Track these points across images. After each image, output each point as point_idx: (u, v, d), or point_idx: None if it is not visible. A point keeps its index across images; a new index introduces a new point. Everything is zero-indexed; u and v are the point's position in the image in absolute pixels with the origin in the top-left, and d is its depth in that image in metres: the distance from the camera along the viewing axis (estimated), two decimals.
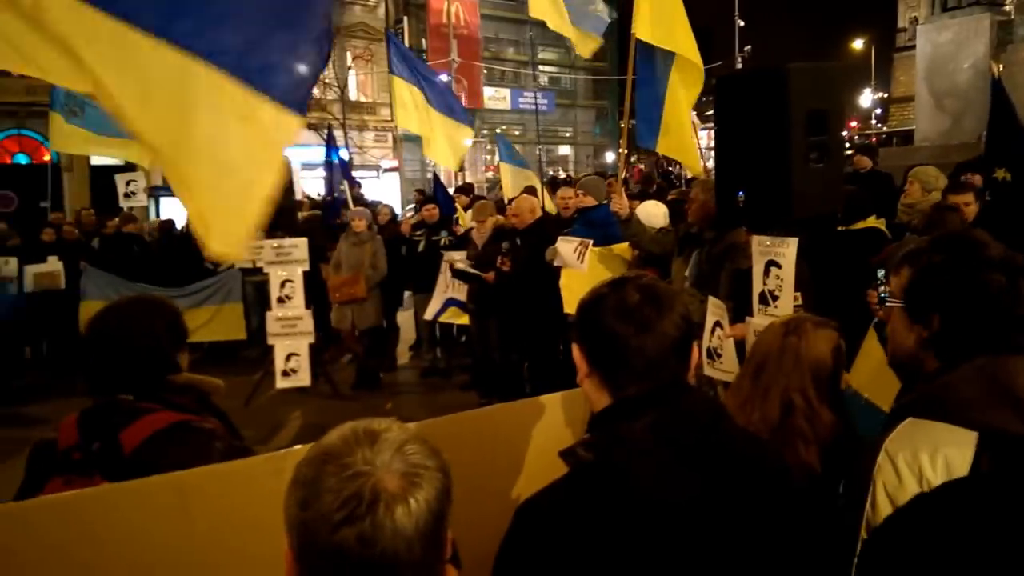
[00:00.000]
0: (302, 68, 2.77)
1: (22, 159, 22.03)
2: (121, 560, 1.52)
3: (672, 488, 1.27)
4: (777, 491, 1.38)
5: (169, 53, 2.43)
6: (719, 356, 4.07)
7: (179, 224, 10.93)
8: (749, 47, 31.63)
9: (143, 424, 1.75)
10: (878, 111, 44.63)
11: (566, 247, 5.75)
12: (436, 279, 7.89)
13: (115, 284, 8.62)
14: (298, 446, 1.62)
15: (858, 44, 48.46)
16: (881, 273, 3.39)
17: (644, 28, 5.28)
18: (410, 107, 8.81)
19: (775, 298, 3.47)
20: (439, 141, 9.18)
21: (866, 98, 46.85)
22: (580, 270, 5.56)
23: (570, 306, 5.93)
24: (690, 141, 5.46)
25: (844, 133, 5.14)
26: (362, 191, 15.40)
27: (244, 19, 2.64)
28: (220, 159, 2.54)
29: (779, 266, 3.43)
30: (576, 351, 1.43)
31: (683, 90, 5.54)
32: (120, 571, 1.53)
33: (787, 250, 3.39)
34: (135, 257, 9.63)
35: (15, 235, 9.75)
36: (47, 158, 21.72)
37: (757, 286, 3.58)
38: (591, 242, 5.62)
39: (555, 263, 5.83)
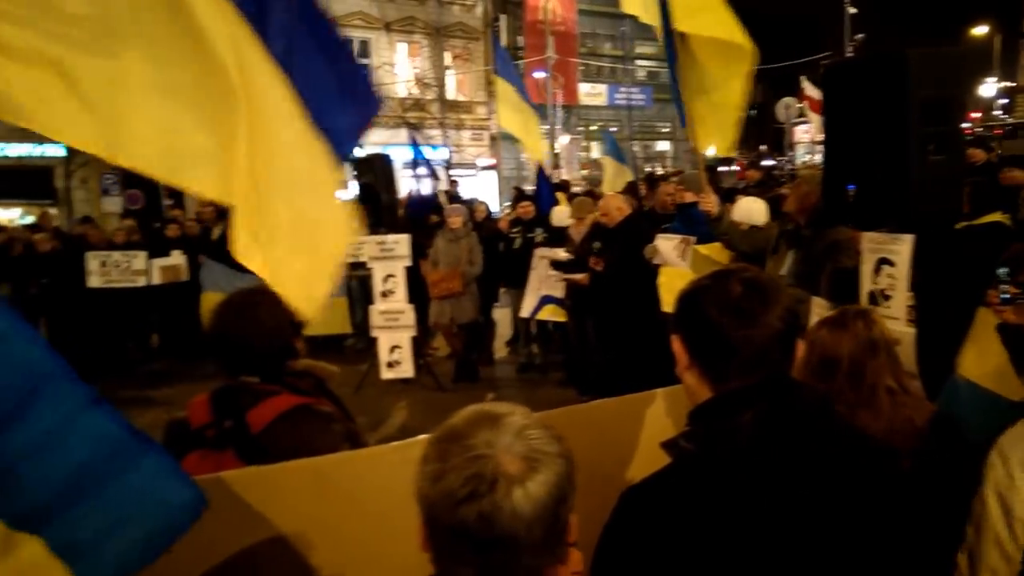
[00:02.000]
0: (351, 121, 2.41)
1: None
2: (262, 535, 1.62)
3: (774, 481, 1.26)
4: (886, 488, 1.34)
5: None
6: None
7: None
8: (861, 35, 30.16)
9: (269, 405, 1.86)
10: (1002, 101, 41.66)
11: (666, 244, 5.66)
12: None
13: (229, 276, 9.11)
14: (422, 436, 1.60)
15: (980, 30, 45.33)
16: (1004, 271, 3.19)
17: (684, 20, 4.95)
18: (512, 106, 8.86)
19: (887, 297, 3.33)
20: (534, 135, 9.18)
21: (989, 87, 43.81)
22: (683, 267, 5.46)
23: (668, 305, 5.86)
24: (728, 126, 4.94)
25: (965, 125, 4.81)
26: (458, 189, 15.65)
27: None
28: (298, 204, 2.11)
29: (892, 264, 3.29)
30: (676, 343, 1.43)
31: (720, 70, 5.03)
32: (261, 545, 1.62)
33: (902, 247, 3.24)
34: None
35: (138, 231, 10.45)
36: None
37: (866, 285, 3.44)
38: (694, 239, 5.50)
39: (655, 261, 5.75)
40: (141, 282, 9.17)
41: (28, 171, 20.98)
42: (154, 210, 15.84)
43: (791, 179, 10.61)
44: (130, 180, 20.16)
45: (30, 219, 19.52)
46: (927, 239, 3.44)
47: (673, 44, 4.89)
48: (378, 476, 1.70)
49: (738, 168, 23.27)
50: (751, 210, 5.41)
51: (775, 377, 1.34)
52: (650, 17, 4.96)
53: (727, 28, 4.75)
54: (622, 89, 33.16)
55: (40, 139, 20.10)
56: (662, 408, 2.11)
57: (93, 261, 9.04)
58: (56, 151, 20.91)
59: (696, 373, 1.39)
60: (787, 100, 23.64)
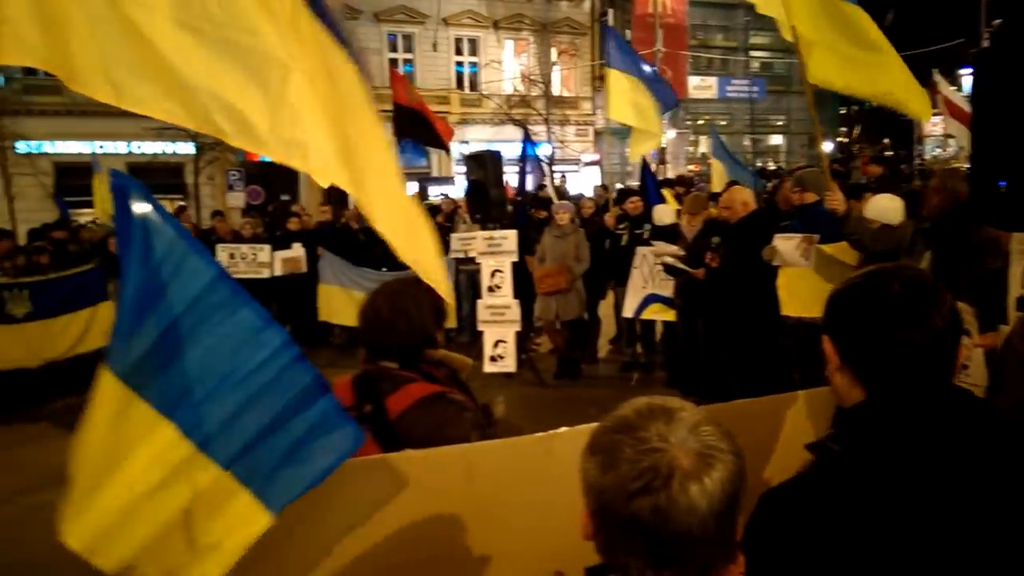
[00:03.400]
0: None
1: (268, 157, 24.72)
2: (409, 518, 1.69)
3: (927, 490, 1.19)
4: None
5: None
6: (964, 367, 3.66)
7: None
8: (998, 21, 27.95)
9: (406, 392, 1.94)
10: None
11: (786, 244, 5.42)
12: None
13: (344, 268, 9.47)
14: (564, 428, 1.73)
15: None
16: None
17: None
18: (627, 98, 8.66)
19: None
20: (654, 126, 8.96)
21: None
22: (806, 267, 5.22)
23: (788, 307, 5.64)
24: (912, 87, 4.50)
25: None
26: (566, 184, 15.65)
27: None
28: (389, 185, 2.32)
29: None
30: (827, 343, 1.37)
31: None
32: (408, 528, 1.69)
33: None
34: (360, 245, 10.48)
35: (260, 224, 10.99)
36: None
37: (1015, 289, 3.21)
38: (817, 237, 5.25)
39: (774, 262, 5.51)
40: (265, 274, 9.65)
41: (160, 168, 22.52)
42: (273, 205, 16.64)
43: (920, 175, 9.97)
44: (252, 176, 21.34)
45: None
46: None
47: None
48: (522, 465, 1.74)
49: (860, 163, 22.12)
50: (886, 208, 5.05)
51: (933, 380, 1.27)
52: (771, 8, 4.70)
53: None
54: (734, 81, 32.13)
55: (172, 137, 21.64)
56: (802, 410, 2.07)
57: (223, 253, 9.58)
58: (187, 149, 22.34)
59: (848, 375, 1.34)
60: None
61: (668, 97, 9.05)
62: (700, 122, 31.54)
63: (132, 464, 1.46)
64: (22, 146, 21.75)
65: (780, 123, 35.72)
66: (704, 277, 6.47)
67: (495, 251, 7.44)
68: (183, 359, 1.47)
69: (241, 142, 2.00)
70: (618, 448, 1.01)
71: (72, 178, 20.51)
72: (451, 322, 9.19)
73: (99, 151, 20.01)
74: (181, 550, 1.48)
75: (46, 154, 21.15)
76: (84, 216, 16.54)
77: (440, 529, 1.71)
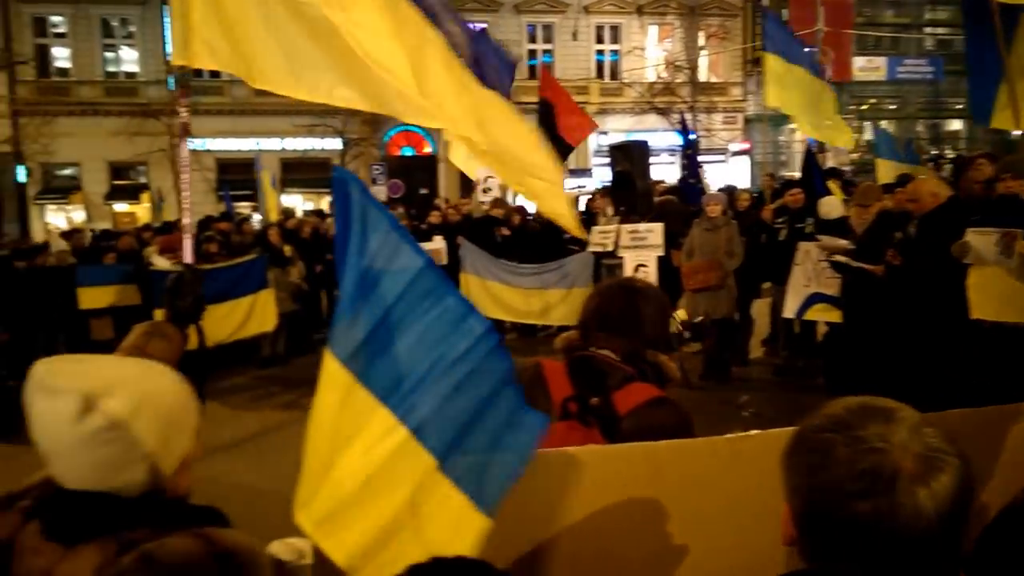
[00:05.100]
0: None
1: (408, 151, 25.56)
2: (594, 509, 1.70)
3: None
4: None
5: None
6: None
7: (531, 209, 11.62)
8: None
9: (635, 390, 1.92)
10: None
11: (981, 239, 4.80)
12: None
13: (484, 259, 9.41)
14: (754, 431, 1.73)
15: None
16: None
17: None
18: (786, 84, 8.03)
19: None
20: (828, 118, 8.27)
21: None
22: (1006, 266, 4.53)
23: (979, 310, 5.12)
24: None
25: None
26: (705, 175, 14.93)
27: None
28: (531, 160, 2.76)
29: None
30: None
31: None
32: (594, 519, 1.70)
33: None
34: (501, 237, 10.43)
35: (405, 217, 11.19)
36: (427, 150, 25.10)
37: None
38: (1020, 232, 4.55)
39: (965, 260, 4.86)
40: None
41: (310, 163, 23.83)
42: (413, 198, 17.07)
43: None
44: (392, 171, 22.13)
45: (310, 205, 22.12)
46: None
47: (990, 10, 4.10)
48: (708, 467, 1.72)
49: None
50: None
51: None
52: None
53: None
54: (906, 61, 29.42)
55: (321, 134, 22.80)
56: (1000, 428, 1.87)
57: None
58: (334, 145, 23.44)
59: None
60: None
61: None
62: (864, 107, 29.21)
63: (355, 448, 1.52)
64: (189, 143, 23.61)
65: (959, 106, 32.14)
66: (883, 275, 5.83)
67: (639, 245, 7.10)
68: (396, 346, 1.52)
69: (412, 118, 2.36)
70: (832, 448, 0.97)
71: (233, 173, 22.02)
72: None
73: (256, 148, 21.28)
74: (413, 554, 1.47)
75: (210, 151, 22.75)
76: (244, 209, 17.67)
77: (621, 525, 1.71)
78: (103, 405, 1.17)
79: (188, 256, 2.66)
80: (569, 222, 2.96)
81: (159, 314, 7.50)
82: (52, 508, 1.22)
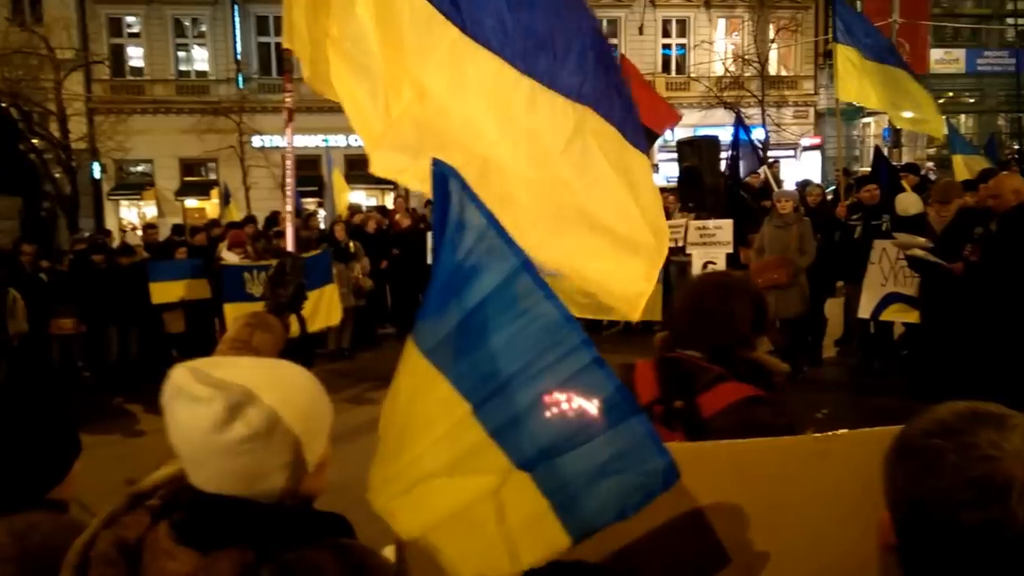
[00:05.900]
0: (625, 105, 2.65)
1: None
2: (677, 507, 1.64)
3: None
4: None
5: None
6: None
7: None
8: None
9: (722, 391, 1.85)
10: None
11: None
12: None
13: None
14: (843, 430, 1.64)
15: None
16: None
17: None
18: (860, 76, 7.73)
19: None
20: (918, 107, 7.92)
21: None
22: None
23: None
24: None
25: None
26: (779, 171, 14.47)
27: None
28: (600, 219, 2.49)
29: None
30: None
31: None
32: (676, 517, 1.65)
33: None
34: None
35: None
36: None
37: None
38: None
39: None
40: None
41: None
42: None
43: None
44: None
45: (373, 201, 22.44)
46: None
47: None
48: (794, 466, 1.67)
49: None
50: None
51: None
52: None
53: None
54: (986, 53, 28.10)
55: None
56: None
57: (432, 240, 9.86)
58: None
59: None
60: None
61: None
62: (941, 100, 28.02)
63: (430, 435, 1.51)
64: (257, 141, 24.20)
65: None
66: (962, 272, 5.57)
67: (708, 242, 6.94)
68: (482, 345, 1.49)
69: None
70: (939, 454, 0.93)
71: (299, 169, 22.45)
72: (656, 315, 8.76)
73: (322, 144, 21.67)
74: (485, 552, 1.46)
75: (277, 148, 23.27)
76: (310, 205, 18.01)
77: (705, 524, 1.66)
78: (246, 415, 1.15)
79: (290, 245, 2.66)
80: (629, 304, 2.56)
81: (231, 308, 7.75)
82: (187, 512, 1.21)
